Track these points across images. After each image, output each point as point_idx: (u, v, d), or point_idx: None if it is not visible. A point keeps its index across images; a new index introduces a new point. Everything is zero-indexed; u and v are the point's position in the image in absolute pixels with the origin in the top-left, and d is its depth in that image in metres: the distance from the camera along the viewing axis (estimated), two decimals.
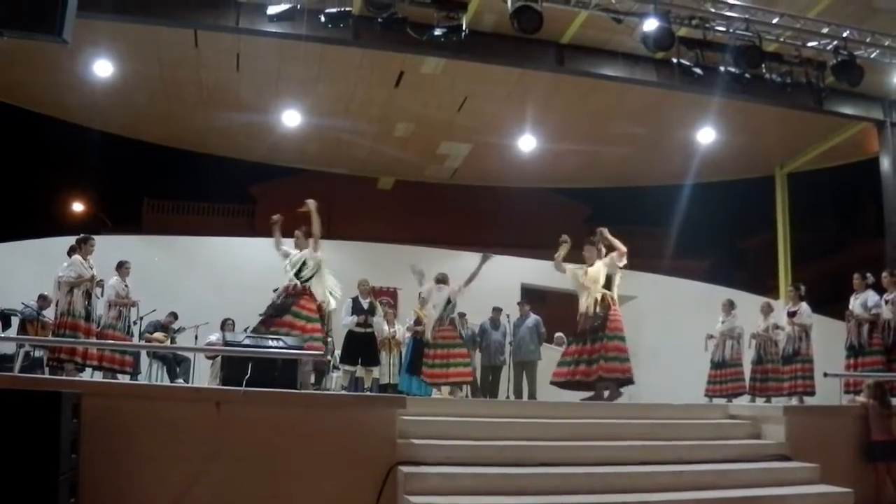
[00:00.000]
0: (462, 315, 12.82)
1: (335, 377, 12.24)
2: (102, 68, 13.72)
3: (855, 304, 11.37)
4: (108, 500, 6.08)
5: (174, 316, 13.13)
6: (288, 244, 9.96)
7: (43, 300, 11.78)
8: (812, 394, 11.83)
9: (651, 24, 11.18)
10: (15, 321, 11.95)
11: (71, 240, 11.16)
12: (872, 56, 12.22)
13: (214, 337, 12.38)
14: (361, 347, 11.51)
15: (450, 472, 6.61)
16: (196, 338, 13.10)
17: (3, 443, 5.32)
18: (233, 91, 15.01)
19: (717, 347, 13.09)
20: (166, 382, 11.97)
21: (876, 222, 15.25)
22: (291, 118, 15.83)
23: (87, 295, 10.47)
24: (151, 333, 12.60)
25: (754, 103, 13.79)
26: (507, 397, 12.90)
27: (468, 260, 11.56)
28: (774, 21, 11.81)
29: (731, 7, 11.61)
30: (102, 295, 10.97)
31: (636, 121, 15.81)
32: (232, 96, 15.18)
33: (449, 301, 11.24)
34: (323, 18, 10.84)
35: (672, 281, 18.62)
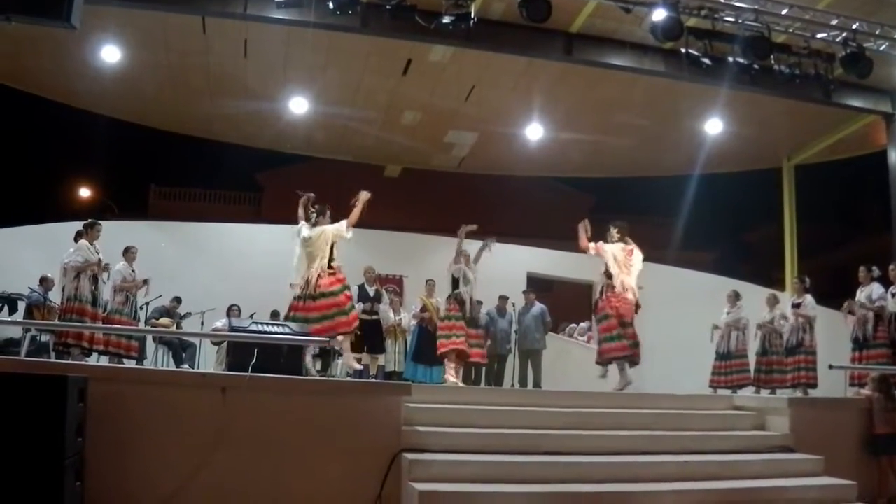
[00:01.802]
0: (479, 302, 12.85)
1: (340, 364, 12.26)
2: (110, 54, 13.73)
3: (861, 296, 11.36)
4: (113, 485, 6.10)
5: (178, 301, 13.15)
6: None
7: (45, 282, 11.83)
8: (815, 386, 11.84)
9: (660, 14, 11.18)
10: (21, 306, 11.99)
11: (78, 225, 11.17)
12: (881, 49, 12.19)
13: (220, 323, 12.41)
14: (367, 335, 11.51)
15: (454, 459, 6.63)
16: (202, 323, 13.15)
17: (10, 426, 5.34)
18: (240, 78, 15.01)
19: (722, 339, 13.11)
20: (172, 368, 12.00)
21: (883, 216, 15.18)
22: (299, 105, 15.84)
23: (94, 280, 10.49)
24: (157, 319, 12.63)
25: (762, 94, 13.74)
26: (512, 386, 12.93)
27: (473, 249, 11.52)
28: (783, 12, 11.78)
29: None
30: (109, 279, 10.99)
31: (643, 111, 15.79)
32: (239, 83, 15.18)
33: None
34: (331, 5, 10.83)
35: (678, 272, 18.61)
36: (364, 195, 9.63)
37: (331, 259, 9.50)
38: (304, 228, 9.66)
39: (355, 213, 9.54)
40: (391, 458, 6.65)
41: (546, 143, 17.22)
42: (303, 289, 9.44)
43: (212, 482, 6.29)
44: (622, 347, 9.99)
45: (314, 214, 9.64)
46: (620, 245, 10.31)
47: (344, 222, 9.45)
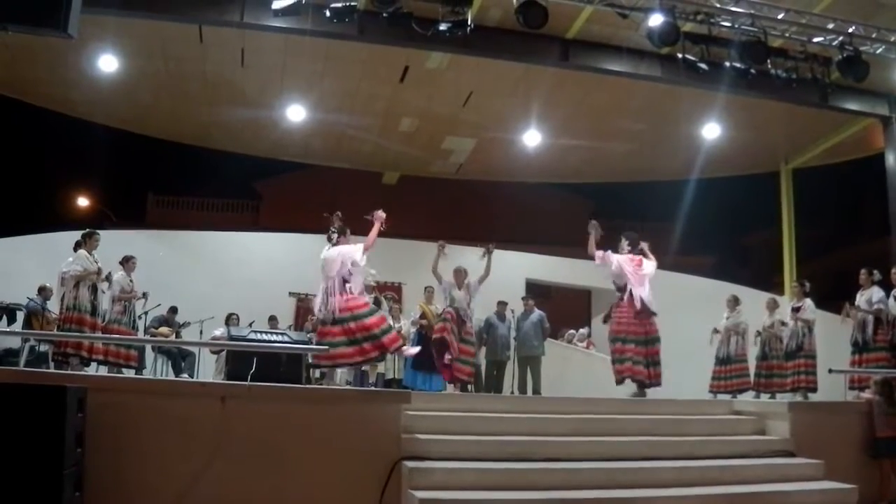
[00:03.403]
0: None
1: (340, 372, 12.24)
2: (107, 63, 13.74)
3: (861, 300, 11.35)
4: (112, 495, 6.09)
5: (174, 310, 13.11)
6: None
7: (43, 291, 11.81)
8: (815, 390, 11.82)
9: (656, 20, 11.18)
10: (20, 315, 11.97)
11: (76, 234, 11.15)
12: (878, 52, 12.20)
13: (219, 332, 12.39)
14: None
15: (454, 466, 6.63)
16: (201, 332, 13.11)
17: (9, 437, 5.34)
18: (237, 86, 15.04)
19: (721, 343, 13.07)
20: (171, 377, 11.98)
21: (881, 219, 15.20)
22: (296, 113, 15.86)
23: (93, 289, 10.47)
24: (156, 328, 12.61)
25: (759, 99, 13.77)
26: (512, 393, 12.90)
27: (474, 255, 11.48)
28: (780, 16, 11.79)
29: (737, 2, 11.59)
30: (110, 287, 10.97)
31: (641, 116, 15.82)
32: (237, 91, 15.21)
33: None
34: (328, 13, 10.83)
35: (677, 277, 18.59)
36: (380, 214, 9.50)
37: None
38: (325, 248, 9.50)
39: (372, 235, 9.40)
40: (391, 466, 6.64)
41: (544, 148, 17.24)
42: (322, 311, 9.26)
43: (211, 491, 6.27)
44: (628, 369, 10.03)
45: (335, 234, 9.48)
46: (628, 256, 10.29)
47: (360, 245, 9.29)
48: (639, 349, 9.99)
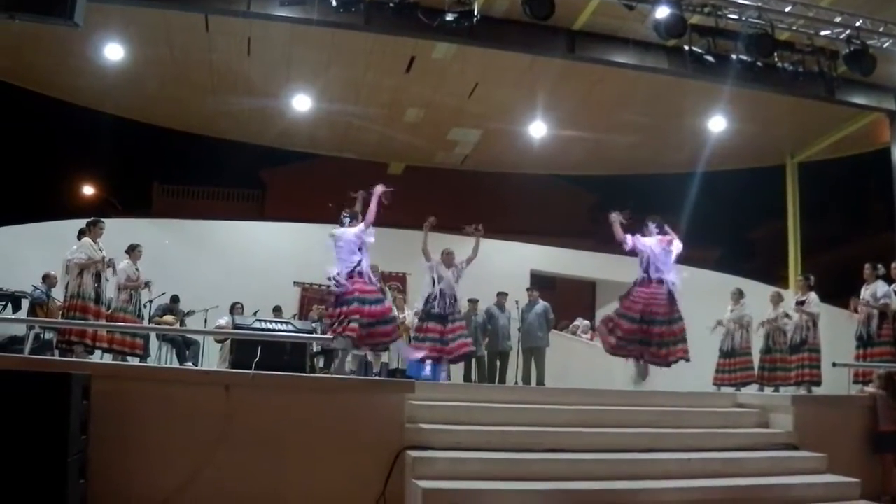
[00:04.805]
0: (475, 301, 12.86)
1: (348, 360, 12.26)
2: (113, 52, 13.72)
3: (865, 294, 11.35)
4: (117, 482, 6.12)
5: (175, 300, 13.10)
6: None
7: (48, 279, 11.83)
8: (818, 383, 11.82)
9: (663, 12, 11.15)
10: (25, 304, 12.00)
11: (81, 223, 11.18)
12: (885, 46, 12.14)
13: (224, 320, 12.42)
14: None
15: (458, 456, 6.64)
16: (205, 321, 13.13)
17: (14, 424, 5.36)
18: (243, 75, 15.02)
19: (725, 336, 13.07)
20: (176, 365, 12.01)
21: (886, 213, 15.17)
22: (302, 103, 15.85)
23: (97, 277, 10.50)
24: (161, 317, 12.63)
25: (766, 92, 13.69)
26: (516, 383, 12.92)
27: (464, 243, 11.41)
28: (787, 9, 11.75)
29: None
30: (115, 274, 10.98)
31: (647, 108, 15.76)
32: (242, 81, 15.20)
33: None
34: (334, 3, 10.80)
35: (681, 269, 18.55)
36: (378, 189, 9.38)
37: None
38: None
39: (371, 210, 9.27)
40: (395, 456, 6.66)
41: (549, 140, 17.21)
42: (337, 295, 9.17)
43: (215, 479, 6.30)
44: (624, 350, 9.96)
45: (347, 218, 9.37)
46: (657, 238, 10.10)
47: (360, 225, 9.19)
48: (660, 329, 9.85)
